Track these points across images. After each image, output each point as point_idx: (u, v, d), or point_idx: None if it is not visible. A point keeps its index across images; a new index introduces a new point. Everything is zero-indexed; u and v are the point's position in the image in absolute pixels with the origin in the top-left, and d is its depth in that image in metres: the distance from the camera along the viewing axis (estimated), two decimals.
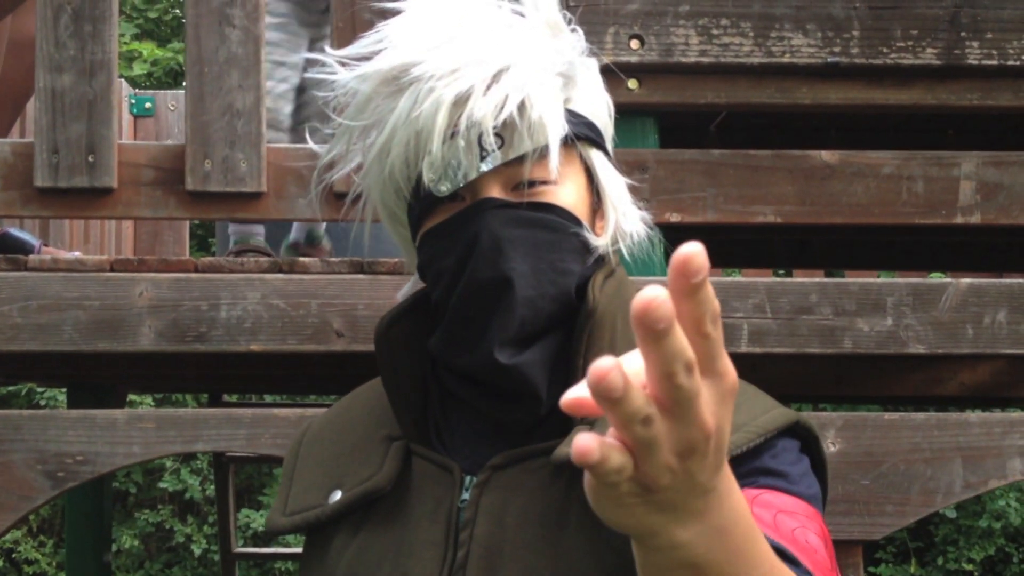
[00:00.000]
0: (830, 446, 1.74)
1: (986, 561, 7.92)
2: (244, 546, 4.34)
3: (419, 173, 1.06)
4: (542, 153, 1.05)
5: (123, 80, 4.71)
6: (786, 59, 1.84)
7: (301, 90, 3.10)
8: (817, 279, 1.82)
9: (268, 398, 6.28)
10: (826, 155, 1.84)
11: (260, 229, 3.15)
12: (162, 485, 8.18)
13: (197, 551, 8.16)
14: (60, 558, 8.05)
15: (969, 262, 2.95)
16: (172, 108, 4.55)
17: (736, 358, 1.87)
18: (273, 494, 8.04)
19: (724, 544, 0.69)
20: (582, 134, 1.10)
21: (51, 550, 8.28)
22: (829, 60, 1.83)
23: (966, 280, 1.81)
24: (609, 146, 1.16)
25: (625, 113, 1.84)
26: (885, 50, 1.84)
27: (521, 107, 1.03)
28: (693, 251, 0.57)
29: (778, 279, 1.82)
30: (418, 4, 1.10)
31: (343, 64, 1.10)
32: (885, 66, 1.84)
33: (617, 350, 1.07)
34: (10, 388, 7.67)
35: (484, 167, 1.04)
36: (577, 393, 0.60)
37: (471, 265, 1.04)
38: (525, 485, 1.03)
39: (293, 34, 3.13)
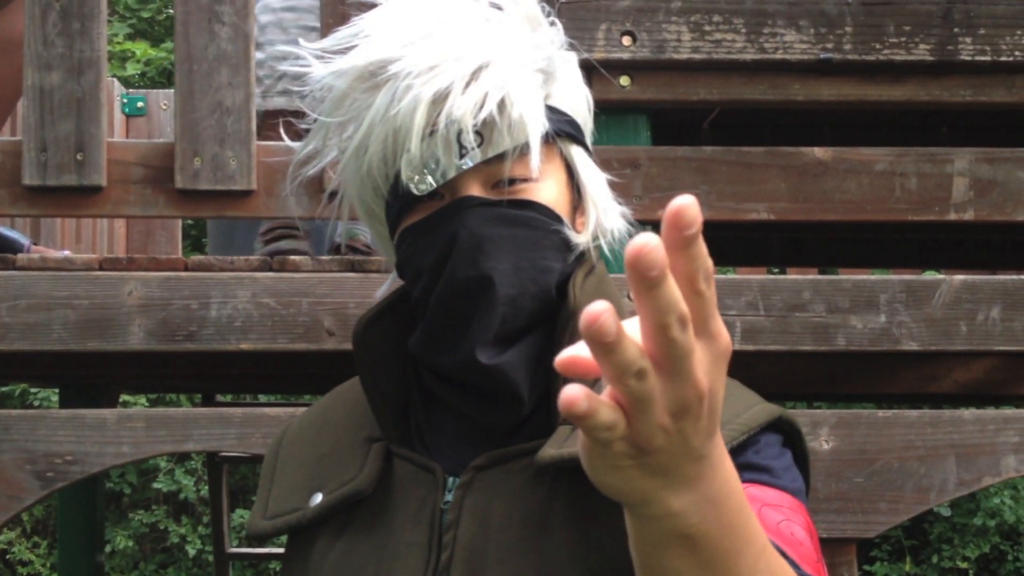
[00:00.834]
0: (823, 444, 1.73)
1: (981, 559, 7.93)
2: (238, 546, 4.32)
3: (397, 171, 1.05)
4: (522, 151, 1.04)
5: (115, 79, 4.70)
6: (779, 55, 1.83)
7: None
8: (810, 276, 1.82)
9: (262, 398, 6.27)
10: (819, 152, 1.84)
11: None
12: (156, 486, 8.16)
13: (191, 552, 8.14)
14: (54, 559, 8.03)
15: (962, 259, 2.95)
16: (164, 107, 4.53)
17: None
18: None
19: (718, 516, 0.69)
20: (562, 131, 1.09)
21: (45, 551, 8.26)
22: (822, 56, 1.83)
23: (959, 277, 1.80)
24: (589, 141, 1.14)
25: (617, 110, 1.84)
26: (878, 46, 1.83)
27: (501, 105, 1.02)
28: (685, 203, 0.57)
29: (771, 276, 1.81)
30: None
31: (318, 58, 1.09)
32: (878, 62, 1.84)
33: None
34: (3, 389, 7.65)
35: (464, 165, 1.03)
36: (572, 352, 0.60)
37: (451, 264, 1.03)
38: (509, 486, 1.02)
39: None
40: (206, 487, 7.35)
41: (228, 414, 1.78)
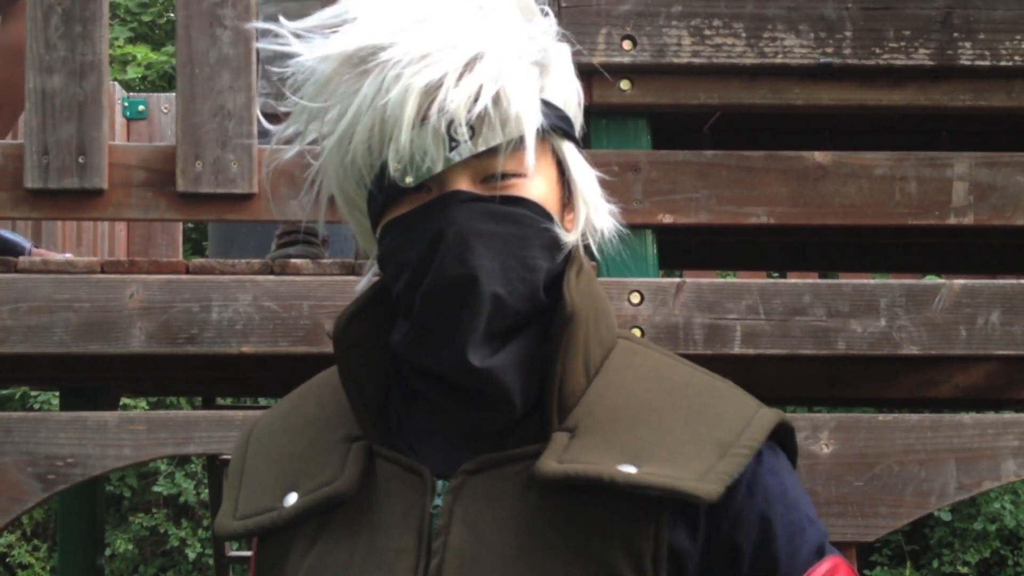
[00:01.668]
0: (823, 448, 1.73)
1: (981, 564, 7.92)
2: (238, 550, 4.31)
3: (383, 161, 1.01)
4: (515, 146, 1.01)
5: (116, 83, 4.70)
6: (779, 60, 1.83)
7: None
8: (810, 280, 1.82)
9: (263, 401, 6.27)
10: (819, 156, 1.84)
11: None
12: (156, 489, 8.15)
13: (192, 555, 8.13)
14: (54, 562, 8.02)
15: (962, 263, 2.95)
16: (165, 111, 4.54)
17: (729, 360, 1.87)
18: None
19: None
20: (556, 126, 1.06)
21: (45, 554, 8.25)
22: (822, 61, 1.83)
23: (959, 281, 1.81)
24: (578, 135, 1.11)
25: (617, 114, 1.84)
26: (878, 51, 1.84)
27: (496, 98, 0.99)
28: None
29: (771, 280, 1.81)
30: None
31: (298, 37, 1.05)
32: (878, 67, 1.84)
33: (591, 351, 1.04)
34: (3, 392, 7.65)
35: (454, 158, 1.00)
36: None
37: (438, 260, 0.99)
38: (501, 492, 0.99)
39: None
40: (206, 490, 7.35)
41: (228, 416, 1.78)
